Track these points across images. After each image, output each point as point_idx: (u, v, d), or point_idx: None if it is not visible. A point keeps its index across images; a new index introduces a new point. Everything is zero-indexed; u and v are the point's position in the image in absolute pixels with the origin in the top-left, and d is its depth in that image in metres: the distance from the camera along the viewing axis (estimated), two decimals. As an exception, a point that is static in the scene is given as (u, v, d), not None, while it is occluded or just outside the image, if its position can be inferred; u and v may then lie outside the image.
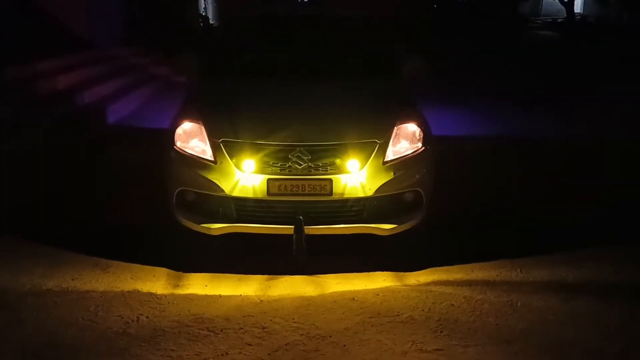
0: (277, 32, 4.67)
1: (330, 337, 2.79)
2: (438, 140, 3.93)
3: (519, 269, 3.57)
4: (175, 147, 3.61)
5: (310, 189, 3.40)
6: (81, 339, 2.76)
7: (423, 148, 3.63)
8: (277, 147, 3.40)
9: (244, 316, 2.98)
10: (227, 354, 2.65)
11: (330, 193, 3.40)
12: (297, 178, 3.39)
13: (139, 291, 3.26)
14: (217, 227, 3.49)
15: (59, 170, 5.19)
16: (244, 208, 3.49)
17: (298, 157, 3.38)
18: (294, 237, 3.36)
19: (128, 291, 3.26)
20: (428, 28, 16.18)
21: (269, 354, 2.65)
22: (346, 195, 3.42)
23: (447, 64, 10.48)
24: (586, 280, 3.46)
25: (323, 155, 3.40)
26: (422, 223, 3.66)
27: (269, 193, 3.40)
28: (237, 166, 3.41)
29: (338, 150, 3.42)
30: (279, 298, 3.23)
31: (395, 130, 3.57)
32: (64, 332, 2.82)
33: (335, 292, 3.32)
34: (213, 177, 3.44)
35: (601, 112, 8.10)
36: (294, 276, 3.50)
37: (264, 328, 2.86)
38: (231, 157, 3.43)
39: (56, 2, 9.04)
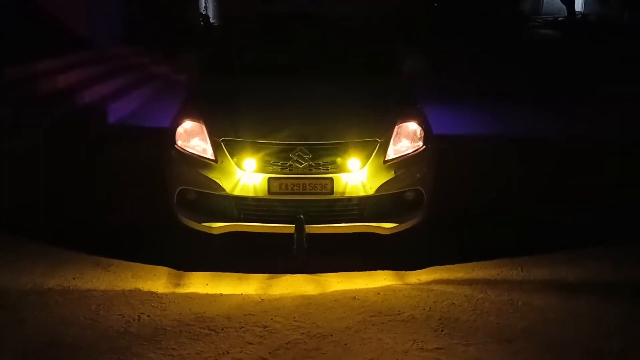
0: (277, 31, 4.67)
1: (331, 335, 2.79)
2: (438, 139, 3.93)
3: (519, 268, 3.57)
4: (176, 146, 3.61)
5: (311, 188, 3.40)
6: (82, 337, 2.77)
7: (424, 147, 3.63)
8: (278, 146, 3.41)
9: (245, 315, 2.98)
10: (228, 352, 2.65)
11: (331, 192, 3.40)
12: (298, 177, 3.39)
13: (140, 290, 3.26)
14: (217, 226, 3.50)
15: (59, 170, 5.19)
16: (245, 207, 3.49)
17: (299, 156, 3.38)
18: (295, 236, 3.36)
19: (129, 290, 3.26)
20: (428, 27, 16.16)
21: (270, 353, 2.65)
22: (347, 194, 3.42)
23: (447, 64, 10.47)
24: (587, 280, 3.46)
25: (324, 154, 3.41)
26: (423, 222, 3.66)
27: (269, 192, 3.40)
28: (238, 165, 3.41)
29: (339, 149, 3.42)
30: (280, 297, 3.23)
31: (396, 129, 3.57)
32: (65, 331, 2.82)
33: (336, 291, 3.32)
34: (214, 176, 3.44)
35: (601, 112, 8.09)
36: (294, 275, 3.51)
37: (265, 327, 2.86)
38: (232, 156, 3.43)
39: (56, 2, 9.04)
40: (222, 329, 2.84)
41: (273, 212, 3.48)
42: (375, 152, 3.45)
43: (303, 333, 2.81)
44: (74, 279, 3.38)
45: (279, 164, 3.40)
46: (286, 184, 3.40)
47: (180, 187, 3.57)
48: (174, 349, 2.67)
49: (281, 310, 3.04)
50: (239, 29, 4.77)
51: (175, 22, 12.18)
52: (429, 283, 3.41)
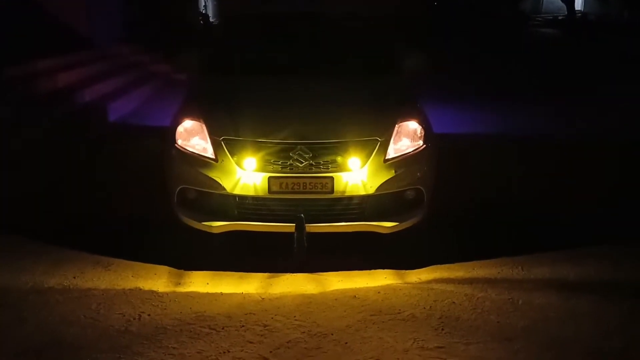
0: (277, 31, 4.68)
1: (332, 334, 2.79)
2: (439, 138, 3.93)
3: (520, 267, 3.57)
4: (176, 145, 3.61)
5: (311, 187, 3.40)
6: (83, 336, 2.77)
7: (424, 146, 3.63)
8: (279, 145, 3.41)
9: (246, 314, 2.98)
10: (228, 351, 2.65)
11: (332, 191, 3.40)
12: (298, 176, 3.39)
13: (140, 289, 3.26)
14: (218, 225, 3.50)
15: (59, 169, 5.19)
16: (245, 206, 3.49)
17: (299, 155, 3.38)
18: (295, 235, 3.36)
19: (129, 289, 3.26)
20: (428, 27, 16.16)
21: (270, 352, 2.65)
22: (347, 193, 3.42)
23: (447, 63, 10.47)
24: (587, 279, 3.46)
25: (324, 153, 3.41)
26: (423, 221, 3.66)
27: (270, 191, 3.40)
28: (238, 164, 3.41)
29: (339, 148, 3.42)
30: (280, 296, 3.23)
31: (396, 128, 3.57)
32: (66, 330, 2.82)
33: (337, 290, 3.32)
34: (214, 175, 3.44)
35: (601, 112, 8.10)
36: (295, 274, 3.51)
37: (265, 326, 2.86)
38: (232, 155, 3.43)
39: (56, 1, 9.04)
40: (222, 328, 2.84)
41: (273, 211, 3.48)
42: (375, 151, 3.45)
43: (303, 332, 2.81)
44: (74, 278, 3.39)
45: (280, 163, 3.40)
46: (286, 183, 3.40)
47: (181, 186, 3.57)
48: (174, 347, 2.67)
49: (282, 309, 3.04)
50: (239, 28, 4.77)
51: (175, 21, 12.18)
52: (429, 282, 3.41)
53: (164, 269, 3.55)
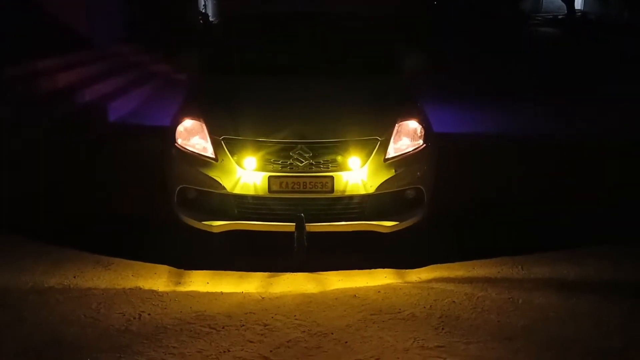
0: (277, 30, 4.68)
1: (332, 334, 2.79)
2: (439, 137, 3.93)
3: (520, 266, 3.57)
4: (176, 144, 3.61)
5: (311, 187, 3.40)
6: (83, 336, 2.77)
7: (424, 145, 3.63)
8: (279, 145, 3.41)
9: (246, 313, 2.98)
10: (228, 351, 2.65)
11: (332, 190, 3.41)
12: (299, 175, 3.39)
13: (140, 288, 3.27)
14: (218, 225, 3.50)
15: (59, 169, 5.19)
16: (245, 205, 3.49)
17: (299, 154, 3.38)
18: (295, 234, 3.36)
19: (130, 288, 3.26)
20: (428, 27, 16.16)
21: (270, 351, 2.65)
22: (347, 193, 3.43)
23: (447, 63, 10.47)
24: (587, 279, 3.46)
25: (324, 152, 3.41)
26: (423, 220, 3.66)
27: (270, 190, 3.40)
28: (238, 164, 3.41)
29: (339, 147, 3.42)
30: (280, 295, 3.23)
31: (396, 128, 3.57)
32: (66, 329, 2.82)
33: (337, 289, 3.32)
34: (214, 174, 3.44)
35: (601, 111, 8.10)
36: (295, 273, 3.51)
37: (265, 325, 2.86)
38: (232, 154, 3.43)
39: (56, 1, 9.04)
40: (222, 328, 2.84)
41: (273, 210, 3.48)
42: (375, 150, 3.45)
43: (304, 331, 2.81)
44: (74, 277, 3.39)
45: (280, 162, 3.40)
46: (286, 183, 3.40)
47: (181, 186, 3.57)
48: (174, 347, 2.67)
49: (282, 308, 3.04)
50: (239, 27, 4.77)
51: (174, 21, 12.18)
52: (429, 281, 3.42)
53: (164, 268, 3.55)
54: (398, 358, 2.60)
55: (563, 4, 22.43)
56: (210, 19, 15.70)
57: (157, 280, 3.41)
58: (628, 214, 4.44)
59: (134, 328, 2.84)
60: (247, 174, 3.40)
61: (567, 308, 3.07)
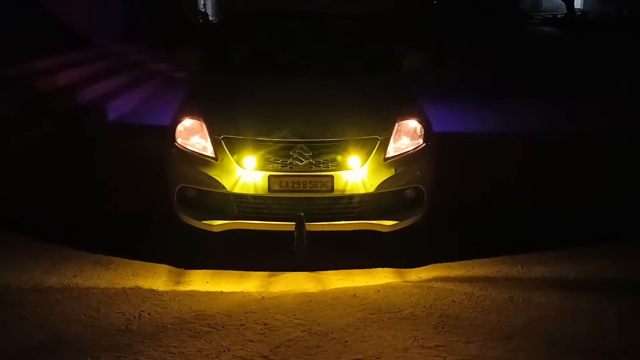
0: (277, 29, 4.67)
1: (332, 333, 2.79)
2: (438, 136, 3.93)
3: (519, 265, 3.57)
4: (176, 143, 3.61)
5: (311, 186, 3.40)
6: (83, 335, 2.76)
7: (424, 144, 3.63)
8: (279, 144, 3.41)
9: (246, 313, 2.98)
10: (228, 350, 2.65)
11: (332, 189, 3.40)
12: (298, 175, 3.39)
13: (140, 288, 3.26)
14: (218, 224, 3.50)
15: (59, 168, 5.19)
16: (245, 205, 3.49)
17: (299, 153, 3.38)
18: (295, 233, 3.36)
19: (130, 288, 3.26)
20: (428, 25, 16.15)
21: (270, 350, 2.65)
22: (347, 192, 3.42)
23: (447, 61, 10.46)
24: (587, 277, 3.46)
25: (324, 151, 3.40)
26: (423, 219, 3.66)
27: (270, 190, 3.40)
28: (238, 163, 3.41)
29: (339, 146, 3.42)
30: (280, 294, 3.23)
31: (396, 127, 3.57)
32: (66, 328, 2.82)
33: (337, 289, 3.32)
34: (214, 173, 3.44)
35: (601, 109, 8.09)
36: (295, 273, 3.51)
37: (265, 324, 2.86)
38: (232, 153, 3.43)
39: (56, 0, 9.04)
40: (222, 327, 2.83)
41: (273, 209, 3.48)
42: (375, 149, 3.45)
43: (304, 330, 2.81)
44: (74, 276, 3.38)
45: (279, 161, 3.39)
46: (286, 182, 3.40)
47: (181, 185, 3.57)
48: (174, 346, 2.67)
49: (282, 307, 3.04)
50: (238, 26, 4.76)
51: (174, 19, 12.17)
52: (429, 280, 3.42)
53: (164, 267, 3.55)
54: (398, 357, 2.60)
55: (562, 2, 22.41)
56: (210, 17, 15.68)
57: (157, 279, 3.41)
58: (628, 213, 4.43)
59: (133, 327, 2.84)
60: (247, 173, 3.39)
61: (567, 307, 3.07)
